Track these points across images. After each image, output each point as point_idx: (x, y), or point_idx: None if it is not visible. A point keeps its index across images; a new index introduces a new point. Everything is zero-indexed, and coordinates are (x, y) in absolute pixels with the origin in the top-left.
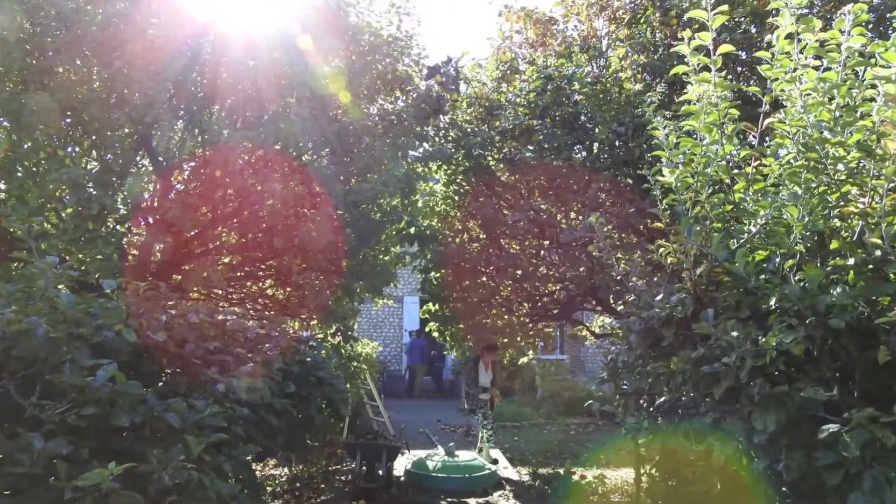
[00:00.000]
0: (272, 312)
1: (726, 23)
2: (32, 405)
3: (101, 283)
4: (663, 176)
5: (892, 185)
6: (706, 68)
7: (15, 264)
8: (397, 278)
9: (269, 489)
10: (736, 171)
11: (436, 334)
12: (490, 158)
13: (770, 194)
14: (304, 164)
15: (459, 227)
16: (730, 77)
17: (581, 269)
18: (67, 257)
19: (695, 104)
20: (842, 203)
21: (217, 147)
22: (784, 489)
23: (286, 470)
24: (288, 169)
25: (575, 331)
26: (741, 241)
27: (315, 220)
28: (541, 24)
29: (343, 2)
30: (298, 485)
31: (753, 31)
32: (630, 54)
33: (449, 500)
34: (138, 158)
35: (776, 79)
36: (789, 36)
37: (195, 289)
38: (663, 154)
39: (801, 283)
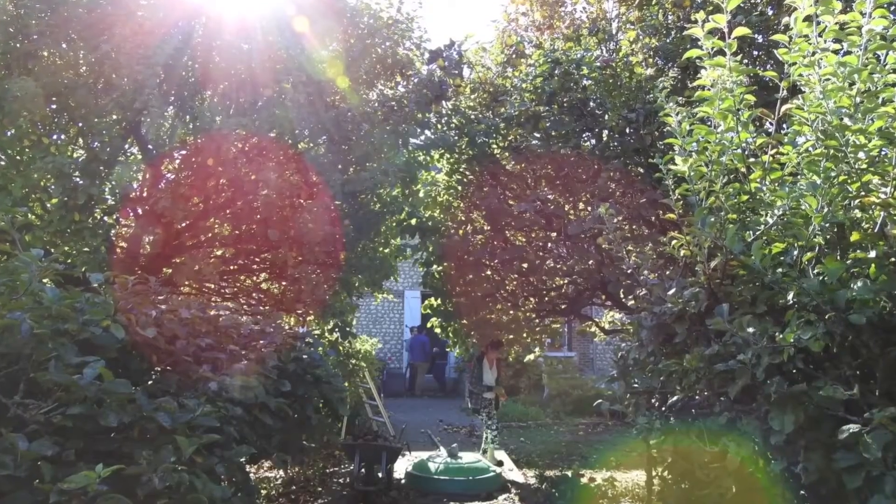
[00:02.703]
0: (267, 307)
1: (742, 4)
2: (16, 404)
3: (87, 277)
4: (676, 165)
5: None
6: (721, 52)
7: None
8: (398, 272)
9: (263, 492)
10: (752, 159)
11: (438, 330)
12: (495, 146)
13: (787, 184)
14: (300, 153)
15: (463, 219)
16: (745, 61)
17: (590, 262)
18: (53, 250)
19: (709, 90)
20: (863, 193)
21: (209, 134)
22: (802, 492)
23: (282, 472)
24: (283, 157)
25: (584, 327)
26: (757, 232)
27: (312, 211)
28: (548, 5)
29: None
30: (294, 487)
31: (770, 13)
32: (641, 37)
33: (452, 503)
34: (127, 146)
35: (794, 63)
36: (808, 18)
37: (186, 283)
38: (676, 142)
39: (820, 277)
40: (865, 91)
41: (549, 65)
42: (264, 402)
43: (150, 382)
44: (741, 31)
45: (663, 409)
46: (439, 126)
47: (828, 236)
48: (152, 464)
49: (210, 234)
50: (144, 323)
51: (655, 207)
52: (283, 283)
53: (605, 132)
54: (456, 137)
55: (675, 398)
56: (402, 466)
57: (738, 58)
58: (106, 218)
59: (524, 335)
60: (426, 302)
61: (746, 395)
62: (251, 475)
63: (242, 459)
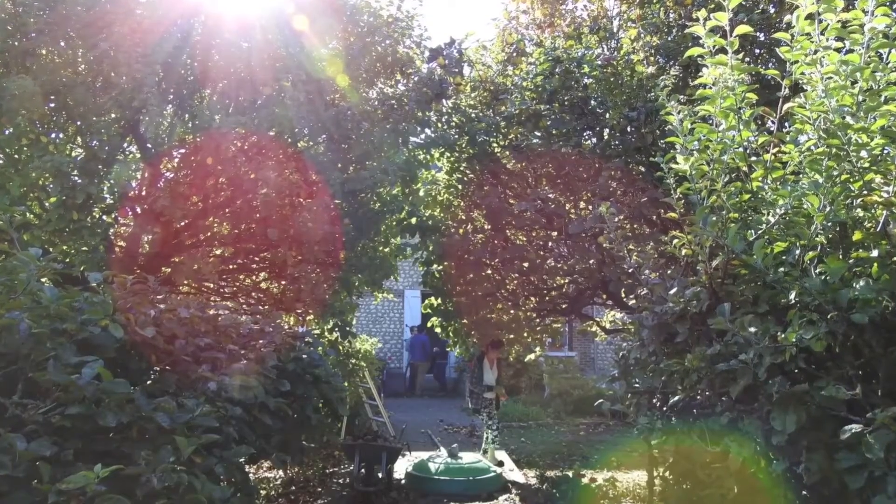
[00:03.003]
0: (266, 307)
1: (744, 2)
2: (14, 404)
3: (86, 276)
4: (677, 163)
5: None
6: (722, 50)
7: None
8: (398, 271)
9: (263, 492)
10: (754, 158)
11: (438, 330)
12: (495, 145)
13: (789, 183)
14: (299, 151)
15: (463, 218)
16: (747, 59)
17: (591, 261)
18: (51, 249)
19: (710, 88)
20: (865, 192)
21: (208, 133)
22: (804, 493)
23: (281, 472)
24: (283, 156)
25: (584, 326)
26: (759, 232)
27: (311, 210)
28: (549, 3)
29: None
30: (294, 488)
31: (772, 11)
32: (642, 35)
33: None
34: (125, 145)
35: (796, 61)
36: (810, 16)
37: (185, 282)
38: (677, 140)
39: (822, 277)
40: (868, 89)
41: (550, 63)
42: (264, 401)
43: (148, 382)
44: (743, 29)
45: (665, 409)
46: (439, 124)
47: (830, 235)
48: (151, 464)
49: (209, 233)
50: (143, 322)
51: (657, 206)
52: (283, 283)
53: (606, 131)
54: (456, 136)
55: (676, 398)
56: (402, 467)
57: (740, 56)
58: (104, 217)
59: (525, 335)
60: (426, 301)
61: (748, 395)
62: (250, 475)
63: (242, 459)
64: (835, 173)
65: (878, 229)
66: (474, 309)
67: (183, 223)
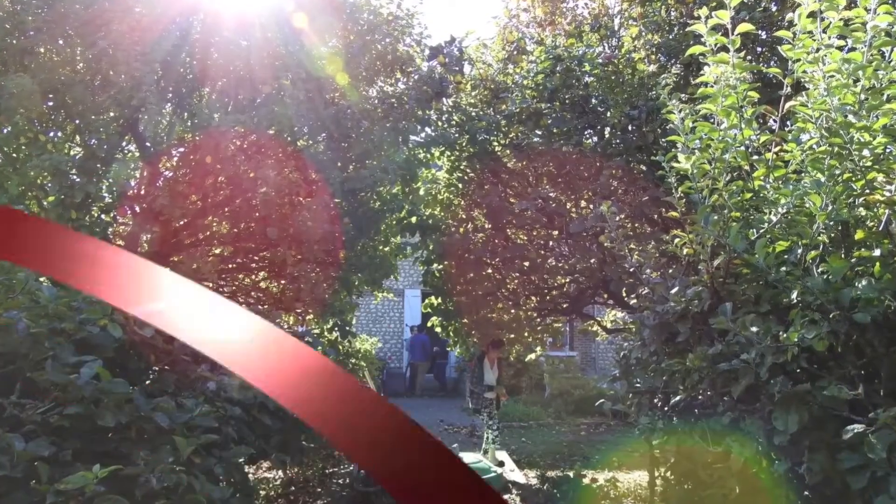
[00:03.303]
0: (266, 306)
1: (745, 0)
2: (12, 404)
3: None
4: (679, 162)
5: None
6: (724, 48)
7: None
8: (398, 270)
9: (262, 493)
10: (755, 157)
11: (438, 329)
12: (496, 144)
13: (791, 182)
14: (299, 150)
15: (463, 217)
16: (749, 58)
17: (592, 260)
18: None
19: (712, 86)
20: (867, 191)
21: (207, 132)
22: (806, 493)
23: (280, 472)
24: (282, 155)
25: (585, 326)
26: (761, 231)
27: (311, 209)
28: (549, 1)
29: None
30: (293, 488)
31: (774, 9)
32: (644, 33)
33: None
34: (124, 144)
35: (798, 60)
36: (812, 14)
37: None
38: (679, 139)
39: (825, 276)
40: (870, 88)
41: (551, 61)
42: (263, 401)
43: (147, 382)
44: (744, 27)
45: (666, 408)
46: (440, 123)
47: (832, 234)
48: (150, 464)
49: (208, 233)
50: (142, 322)
51: (658, 205)
52: (282, 282)
53: (607, 129)
54: (456, 135)
55: (677, 398)
56: None
57: (742, 54)
58: (103, 216)
59: (525, 334)
60: (426, 301)
61: (750, 394)
62: (250, 476)
63: (241, 460)
64: (837, 172)
65: (880, 228)
66: (475, 308)
67: (182, 222)
